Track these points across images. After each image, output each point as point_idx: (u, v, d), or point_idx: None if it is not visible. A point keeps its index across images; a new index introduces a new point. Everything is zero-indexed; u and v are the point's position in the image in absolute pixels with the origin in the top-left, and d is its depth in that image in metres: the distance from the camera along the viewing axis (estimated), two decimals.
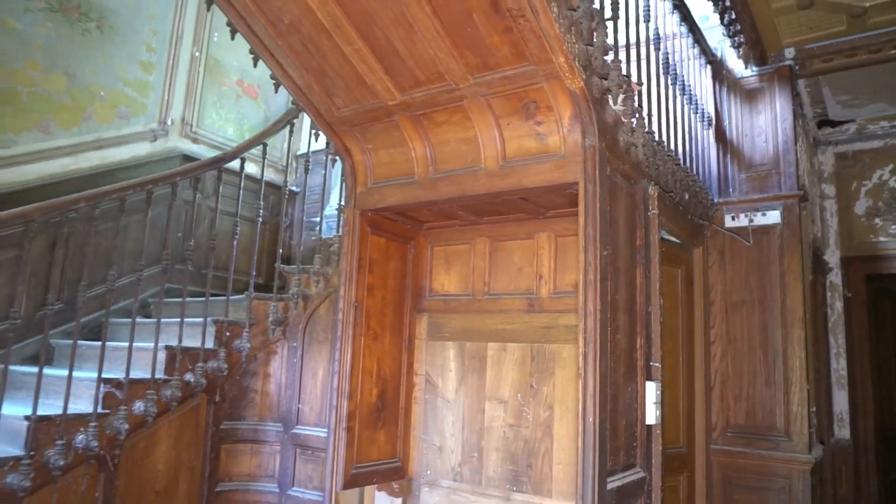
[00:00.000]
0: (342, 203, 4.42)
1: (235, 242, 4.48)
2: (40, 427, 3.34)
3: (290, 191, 6.36)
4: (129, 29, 5.36)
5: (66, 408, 3.42)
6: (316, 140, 4.85)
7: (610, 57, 3.12)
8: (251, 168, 5.85)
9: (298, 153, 6.49)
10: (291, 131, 4.59)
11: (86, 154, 5.04)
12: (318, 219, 6.21)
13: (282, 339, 4.40)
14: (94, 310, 4.88)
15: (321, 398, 4.21)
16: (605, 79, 3.09)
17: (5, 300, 4.50)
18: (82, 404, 3.69)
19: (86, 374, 3.79)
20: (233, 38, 3.66)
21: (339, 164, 6.15)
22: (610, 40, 3.19)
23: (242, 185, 4.92)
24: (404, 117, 3.47)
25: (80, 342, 4.36)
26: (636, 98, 3.44)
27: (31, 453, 3.28)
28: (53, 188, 4.81)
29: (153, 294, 5.26)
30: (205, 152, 5.82)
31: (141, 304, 5.16)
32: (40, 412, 3.32)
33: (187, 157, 5.65)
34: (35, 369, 3.83)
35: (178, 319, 3.97)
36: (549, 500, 3.49)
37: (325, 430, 4.15)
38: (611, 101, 3.18)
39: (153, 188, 3.89)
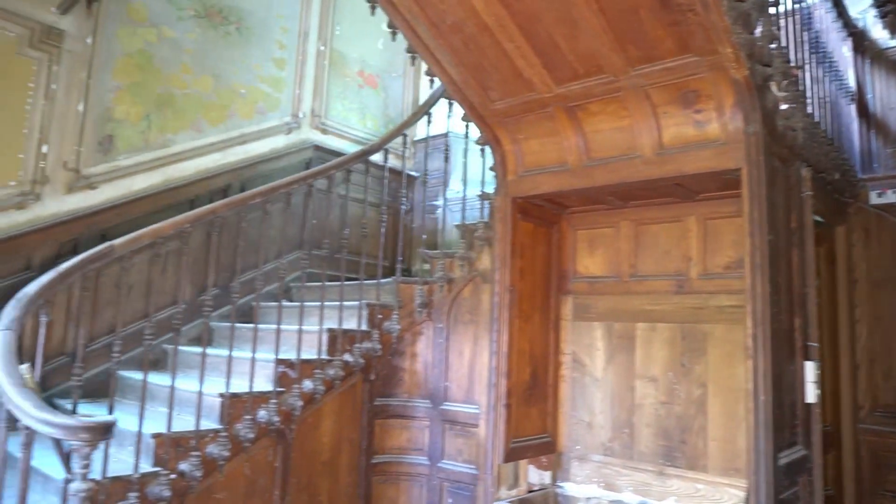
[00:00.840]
0: (484, 189, 4.62)
1: (383, 230, 4.74)
2: (231, 403, 3.69)
3: (409, 175, 6.61)
4: (263, 28, 5.67)
5: (251, 385, 3.77)
6: (433, 123, 5.05)
7: (774, 45, 3.18)
8: (354, 150, 6.14)
9: (416, 139, 6.73)
10: (430, 121, 4.80)
11: (232, 149, 5.39)
12: (436, 202, 6.45)
13: (427, 321, 4.66)
14: (243, 294, 5.25)
15: (468, 376, 4.46)
16: (769, 66, 3.16)
17: (172, 287, 4.92)
18: (244, 382, 3.98)
19: (243, 354, 4.09)
20: (394, 39, 3.87)
21: (457, 150, 6.36)
22: (773, 28, 3.24)
23: (369, 173, 5.18)
24: (559, 108, 3.61)
25: (236, 325, 4.76)
26: (796, 83, 3.48)
27: (225, 426, 3.65)
28: (208, 182, 5.19)
29: (294, 279, 5.61)
30: (333, 142, 6.12)
31: (283, 288, 5.51)
32: (218, 389, 3.65)
33: (318, 148, 5.95)
34: (198, 349, 4.22)
35: (331, 303, 4.27)
36: (703, 475, 3.64)
37: (473, 406, 4.39)
38: (773, 88, 3.24)
39: (313, 181, 4.18)
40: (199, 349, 4.68)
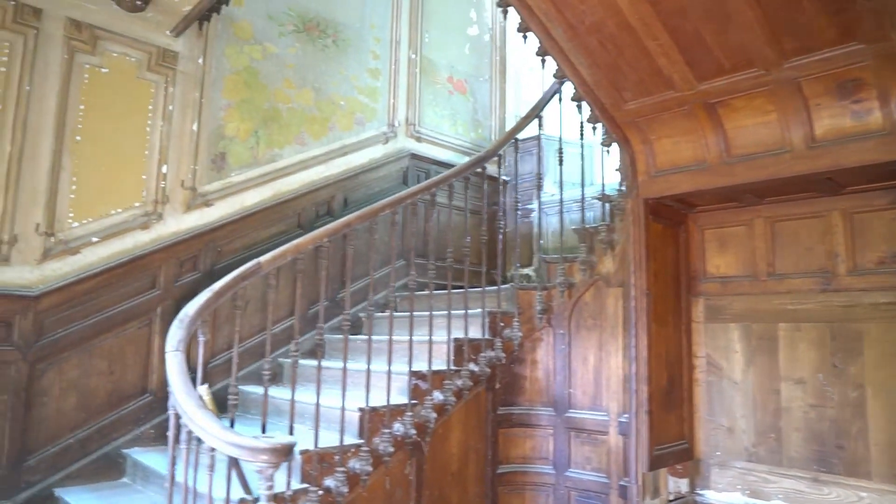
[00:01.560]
0: (604, 191, 4.50)
1: (501, 236, 4.67)
2: (370, 417, 3.66)
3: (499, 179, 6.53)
4: (358, 39, 5.66)
5: (388, 398, 3.73)
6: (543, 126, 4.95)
7: None
8: (451, 157, 6.07)
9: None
10: (541, 125, 4.72)
11: (334, 161, 5.39)
12: (530, 206, 6.36)
13: (546, 327, 4.58)
14: (352, 305, 5.23)
15: (594, 382, 4.35)
16: None
17: (286, 300, 4.93)
18: (366, 395, 3.94)
19: (360, 366, 4.04)
20: (525, 41, 3.79)
21: (549, 152, 6.26)
22: None
23: (469, 179, 5.10)
24: (697, 106, 3.49)
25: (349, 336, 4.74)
26: None
27: (366, 441, 3.61)
28: (313, 195, 5.19)
29: (398, 288, 5.57)
30: (427, 149, 6.08)
31: (386, 299, 5.49)
32: (340, 402, 3.61)
33: (414, 156, 5.92)
34: (314, 362, 4.21)
35: (455, 311, 4.20)
36: (865, 482, 3.47)
37: (601, 413, 4.29)
38: None
39: (435, 190, 4.13)
40: (314, 362, 4.68)
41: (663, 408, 3.86)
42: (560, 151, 4.69)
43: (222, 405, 4.59)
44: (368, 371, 3.65)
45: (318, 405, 3.41)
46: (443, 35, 6.32)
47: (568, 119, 5.03)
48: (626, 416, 4.14)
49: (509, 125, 6.70)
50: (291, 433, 3.30)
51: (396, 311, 5.36)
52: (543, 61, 3.91)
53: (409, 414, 3.80)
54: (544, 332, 4.62)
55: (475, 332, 4.36)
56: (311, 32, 5.34)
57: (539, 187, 5.76)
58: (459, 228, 5.98)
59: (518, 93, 6.65)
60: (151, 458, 4.05)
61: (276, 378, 4.81)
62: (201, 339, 2.98)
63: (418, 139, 6.01)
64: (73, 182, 4.18)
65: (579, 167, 6.36)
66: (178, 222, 4.57)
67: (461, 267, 4.46)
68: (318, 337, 3.46)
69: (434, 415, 3.93)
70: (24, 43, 4.05)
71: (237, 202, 4.82)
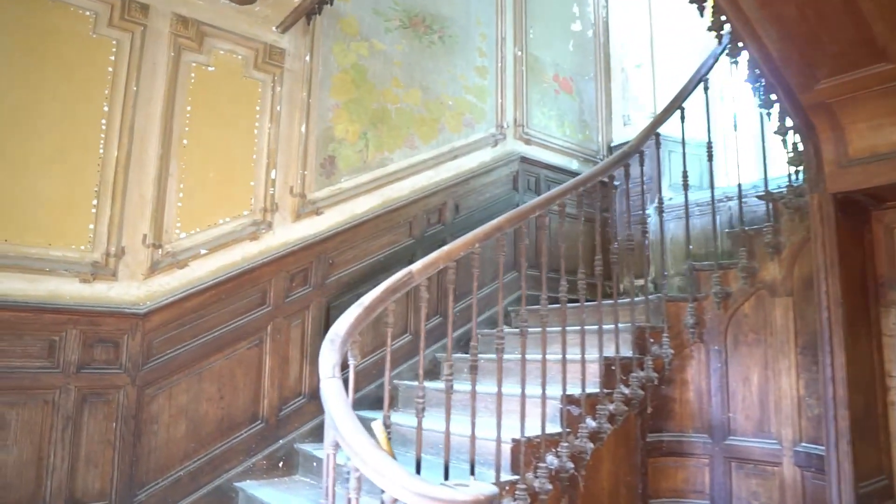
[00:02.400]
0: (766, 191, 3.96)
1: (648, 242, 4.15)
2: (525, 449, 3.15)
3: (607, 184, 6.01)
4: (465, 35, 5.23)
5: (543, 428, 3.22)
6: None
7: None
8: (559, 161, 5.58)
9: (612, 144, 6.14)
10: (683, 117, 4.19)
11: (444, 165, 4.94)
12: (644, 212, 5.82)
13: (697, 343, 4.03)
14: (462, 322, 4.76)
15: (760, 406, 3.78)
16: None
17: (400, 316, 4.47)
18: (509, 422, 3.43)
19: (490, 389, 3.55)
20: (701, 15, 3.28)
21: (670, 152, 5.71)
22: None
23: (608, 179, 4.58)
24: None
25: (462, 355, 4.27)
26: None
27: (521, 477, 3.11)
28: (424, 201, 4.74)
29: (511, 302, 5.07)
30: (536, 153, 5.59)
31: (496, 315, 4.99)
32: (479, 434, 3.11)
33: (524, 160, 5.45)
34: (436, 384, 3.72)
35: (588, 327, 3.68)
36: None
37: (769, 441, 3.71)
38: None
39: (583, 189, 3.63)
40: (436, 384, 4.20)
41: (861, 437, 3.27)
42: (709, 146, 4.14)
43: None
44: (524, 396, 3.15)
45: (473, 437, 2.91)
46: (546, 31, 5.85)
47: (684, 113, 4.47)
48: (803, 445, 3.55)
49: (616, 126, 6.19)
50: (447, 475, 2.81)
51: (512, 327, 4.87)
52: (719, 37, 3.41)
53: (565, 444, 3.29)
54: (694, 349, 4.06)
55: (621, 350, 3.83)
56: (416, 28, 4.92)
57: (659, 190, 5.23)
58: (571, 237, 5.49)
59: (625, 92, 6.13)
60: (267, 494, 3.61)
61: (393, 402, 4.34)
62: (352, 362, 2.51)
63: (527, 141, 5.53)
64: (179, 189, 3.81)
65: (698, 167, 5.85)
66: (288, 232, 4.16)
67: (575, 279, 3.91)
68: (472, 358, 2.97)
69: (590, 444, 3.40)
70: (131, 41, 3.72)
71: (347, 210, 4.40)
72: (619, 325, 3.78)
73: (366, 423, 4.00)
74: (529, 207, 3.30)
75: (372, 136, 4.57)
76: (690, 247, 4.22)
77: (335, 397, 2.22)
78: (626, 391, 3.69)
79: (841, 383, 3.16)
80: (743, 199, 4.13)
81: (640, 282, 5.74)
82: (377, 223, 4.49)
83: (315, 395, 4.13)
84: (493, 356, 3.54)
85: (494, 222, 3.13)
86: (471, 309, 4.77)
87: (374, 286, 4.07)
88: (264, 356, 3.99)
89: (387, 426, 2.63)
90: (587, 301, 3.68)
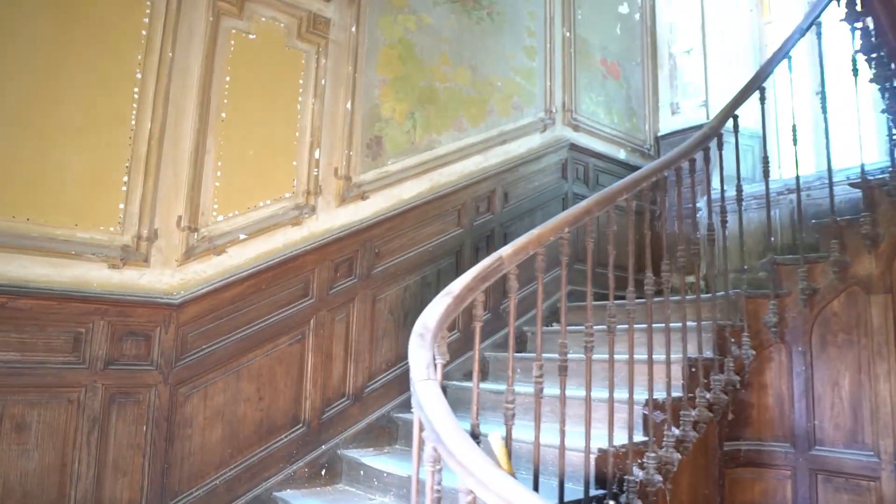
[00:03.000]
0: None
1: (701, 237, 3.76)
2: (610, 460, 2.77)
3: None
4: (514, 13, 4.85)
5: (630, 436, 2.85)
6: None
7: None
8: (607, 150, 5.21)
9: (659, 134, 5.77)
10: (763, 98, 3.82)
11: (492, 150, 4.57)
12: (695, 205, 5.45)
13: (778, 344, 3.66)
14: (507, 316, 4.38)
15: (852, 414, 3.42)
16: None
17: None
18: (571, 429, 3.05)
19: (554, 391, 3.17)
20: None
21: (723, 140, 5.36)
22: None
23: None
24: None
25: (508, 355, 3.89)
26: None
27: (607, 492, 2.74)
28: (473, 188, 4.37)
29: (557, 300, 4.70)
30: (585, 140, 5.21)
31: (550, 310, 4.64)
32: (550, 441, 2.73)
33: (574, 147, 5.07)
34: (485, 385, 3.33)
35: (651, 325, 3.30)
36: None
37: (864, 452, 3.35)
38: None
39: (666, 173, 3.26)
40: (488, 386, 3.83)
41: None
42: (822, 96, 3.71)
43: (381, 438, 3.78)
44: (612, 400, 2.77)
45: (562, 448, 2.54)
46: (594, 12, 5.48)
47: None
48: None
49: (663, 115, 5.82)
50: (536, 488, 2.43)
51: (550, 325, 4.50)
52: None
53: (652, 454, 2.92)
54: (774, 350, 3.70)
55: (694, 351, 3.45)
56: (465, 3, 4.54)
57: (708, 182, 4.88)
58: (622, 230, 5.17)
59: (673, 79, 5.76)
60: None
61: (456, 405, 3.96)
62: (439, 361, 2.13)
63: (575, 128, 5.16)
64: (217, 167, 3.42)
65: (750, 160, 5.49)
66: (332, 218, 3.78)
67: (622, 275, 3.51)
68: (561, 358, 2.59)
69: (677, 455, 3.03)
70: (167, 3, 3.32)
71: (394, 195, 4.02)
72: (697, 322, 3.41)
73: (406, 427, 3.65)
74: (616, 190, 2.93)
75: (420, 117, 4.19)
76: (772, 238, 3.85)
77: (435, 404, 1.84)
78: (708, 396, 3.32)
79: None
80: (813, 190, 3.77)
81: (691, 279, 5.40)
82: (425, 210, 4.11)
83: (359, 397, 3.76)
84: (553, 355, 3.15)
85: (583, 205, 2.76)
86: (522, 302, 4.43)
87: (421, 278, 3.67)
88: (307, 353, 3.60)
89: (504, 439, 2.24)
90: (639, 298, 3.27)
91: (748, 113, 5.57)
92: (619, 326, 3.07)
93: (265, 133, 3.59)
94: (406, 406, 3.84)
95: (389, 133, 4.04)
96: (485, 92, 4.56)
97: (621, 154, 5.46)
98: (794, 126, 3.73)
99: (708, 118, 5.44)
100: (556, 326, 4.56)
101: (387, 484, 3.26)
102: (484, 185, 4.42)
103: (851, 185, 3.57)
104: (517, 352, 4.02)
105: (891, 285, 3.35)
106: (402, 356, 3.92)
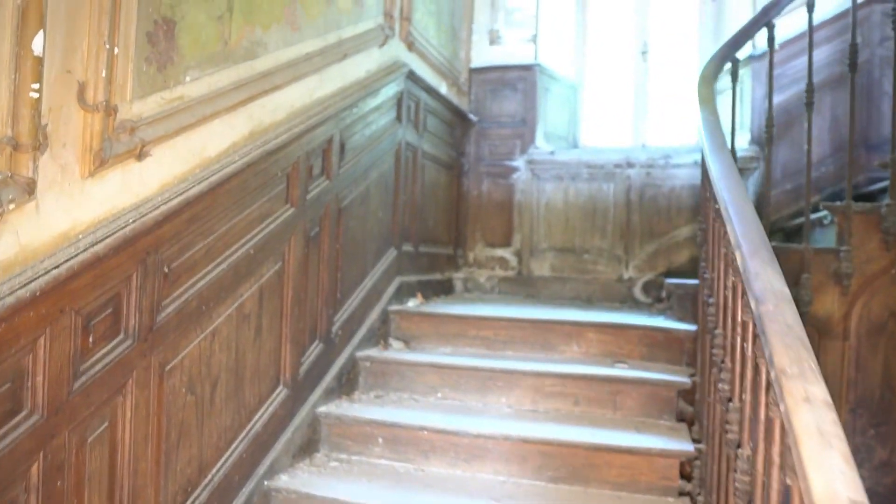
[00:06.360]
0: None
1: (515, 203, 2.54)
2: None
3: (467, 119, 4.18)
4: None
5: None
6: None
7: None
8: (433, 81, 3.65)
9: (473, 66, 4.25)
10: (772, 34, 2.54)
11: (330, 69, 2.52)
12: (511, 162, 4.22)
13: None
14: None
15: None
16: None
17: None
18: None
19: None
20: None
21: (543, 92, 4.17)
22: None
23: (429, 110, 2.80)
24: None
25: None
26: None
27: None
28: (308, 136, 2.35)
29: (392, 298, 3.07)
30: (419, 68, 3.43)
31: (381, 319, 2.98)
32: None
33: (411, 76, 3.28)
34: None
35: None
36: None
37: None
38: None
39: None
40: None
41: None
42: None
43: None
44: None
45: None
46: None
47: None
48: None
49: (480, 42, 4.31)
50: None
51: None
52: None
53: None
54: None
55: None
56: None
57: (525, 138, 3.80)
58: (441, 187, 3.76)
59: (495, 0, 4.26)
60: None
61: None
62: None
63: (410, 46, 3.35)
64: None
65: (567, 113, 4.45)
66: (72, 206, 1.50)
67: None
68: None
69: None
70: None
71: (193, 149, 1.85)
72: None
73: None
74: None
75: None
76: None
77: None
78: None
79: None
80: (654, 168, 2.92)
81: (499, 251, 4.27)
82: (244, 180, 2.02)
83: None
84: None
85: None
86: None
87: (237, 308, 1.97)
88: None
89: None
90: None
91: (565, 59, 4.49)
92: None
93: None
94: None
95: (189, 15, 1.80)
96: None
97: (443, 87, 3.86)
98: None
99: (536, 58, 4.17)
100: (395, 346, 3.00)
101: None
102: (320, 131, 2.45)
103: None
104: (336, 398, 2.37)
105: None
106: (209, 478, 1.92)
